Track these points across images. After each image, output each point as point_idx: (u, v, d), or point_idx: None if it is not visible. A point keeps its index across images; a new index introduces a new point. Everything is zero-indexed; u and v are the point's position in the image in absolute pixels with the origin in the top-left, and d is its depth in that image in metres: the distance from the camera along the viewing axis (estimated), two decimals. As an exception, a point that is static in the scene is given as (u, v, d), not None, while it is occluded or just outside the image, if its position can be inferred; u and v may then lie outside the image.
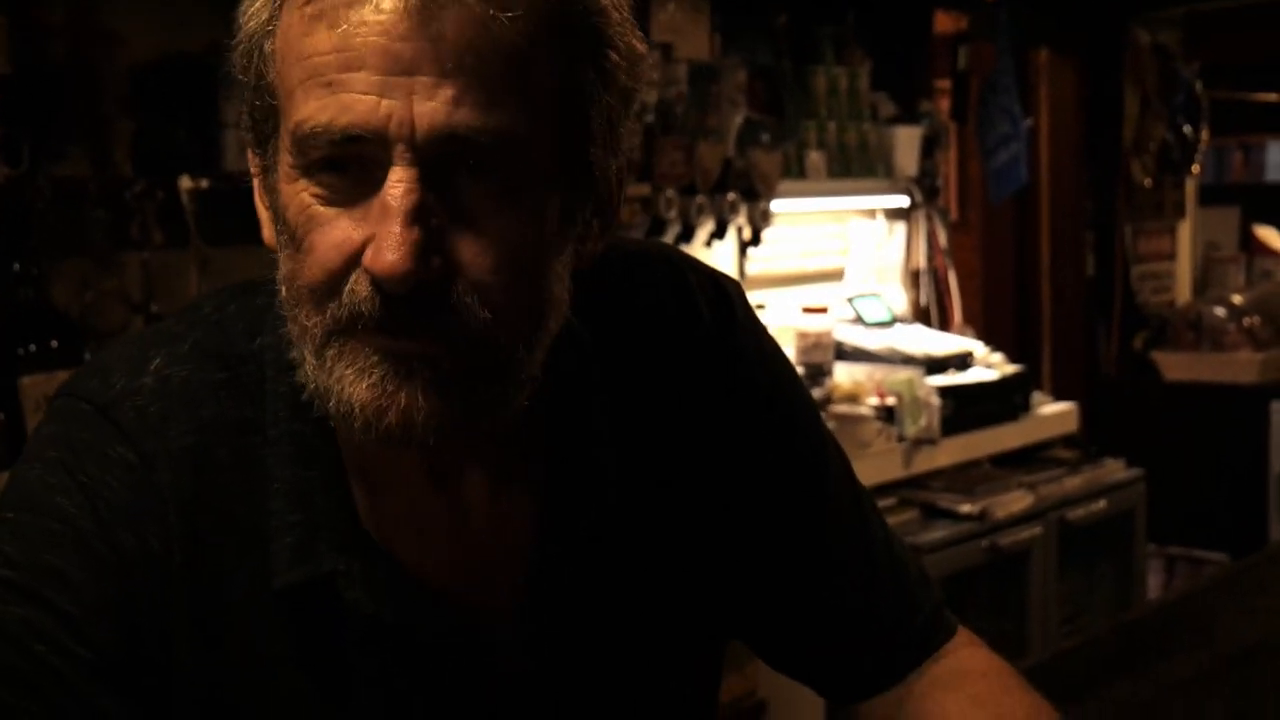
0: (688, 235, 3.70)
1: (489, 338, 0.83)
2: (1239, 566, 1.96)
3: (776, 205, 3.90)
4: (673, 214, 3.61)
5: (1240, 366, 5.30)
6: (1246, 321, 5.41)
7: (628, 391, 0.98)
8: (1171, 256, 6.02)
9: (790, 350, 3.78)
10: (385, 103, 0.79)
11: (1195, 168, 6.01)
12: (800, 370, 3.72)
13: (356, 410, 0.82)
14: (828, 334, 3.82)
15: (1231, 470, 5.17)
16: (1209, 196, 6.37)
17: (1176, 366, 5.49)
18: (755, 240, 3.93)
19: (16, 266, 2.50)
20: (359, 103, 0.79)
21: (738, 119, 3.79)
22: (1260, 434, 5.11)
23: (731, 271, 3.95)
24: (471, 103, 0.79)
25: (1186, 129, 5.86)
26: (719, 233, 3.79)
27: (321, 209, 0.82)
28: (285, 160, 0.83)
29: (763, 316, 3.99)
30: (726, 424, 1.03)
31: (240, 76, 0.86)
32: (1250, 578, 1.86)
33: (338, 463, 0.92)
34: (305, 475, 0.91)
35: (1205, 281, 6.18)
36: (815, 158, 4.05)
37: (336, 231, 0.82)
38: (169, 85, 2.69)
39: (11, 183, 2.45)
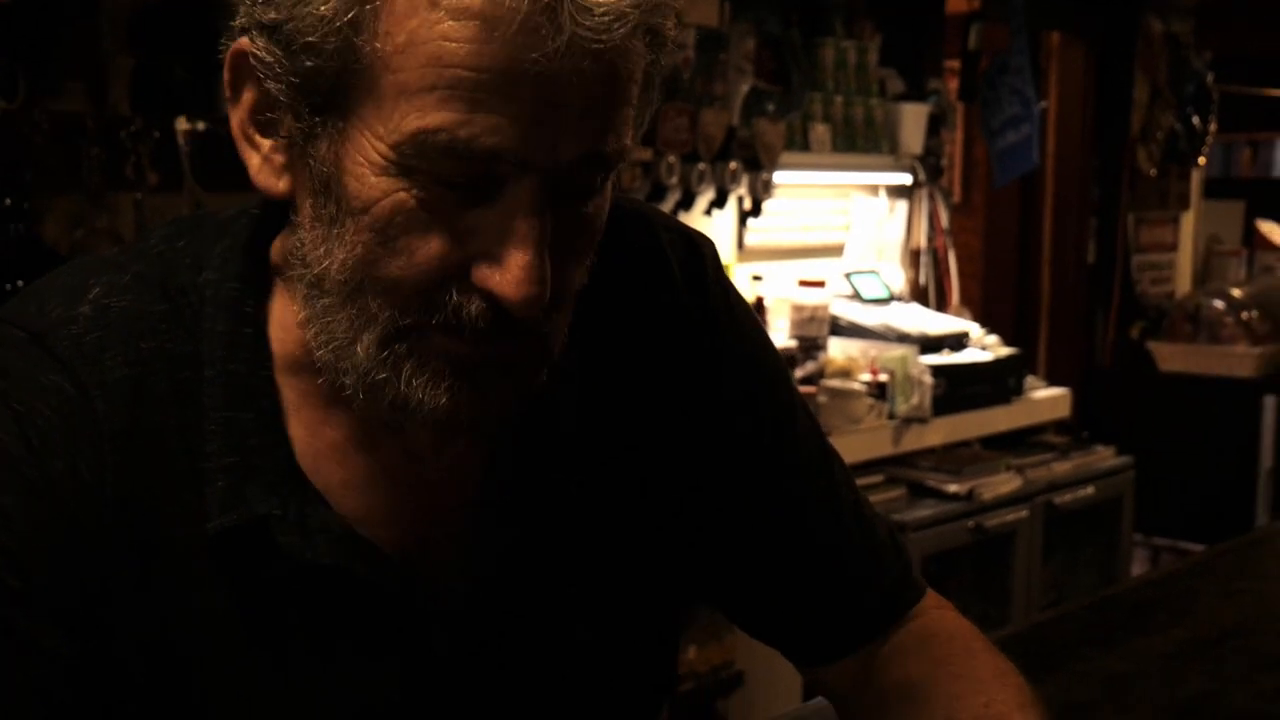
0: (688, 202, 3.68)
1: (557, 338, 0.86)
2: (1221, 549, 1.96)
3: (779, 177, 3.88)
4: (674, 180, 3.59)
5: (1236, 360, 5.30)
6: (1245, 315, 5.40)
7: (592, 349, 0.97)
8: (1173, 247, 6.01)
9: (785, 323, 3.77)
10: (536, 131, 0.77)
11: (1201, 159, 6.00)
12: (794, 344, 3.72)
13: (426, 411, 0.84)
14: (824, 308, 3.81)
15: (1221, 463, 5.17)
16: (1214, 190, 6.36)
17: (1172, 357, 5.49)
18: (756, 211, 3.92)
19: (8, 201, 2.48)
20: (509, 128, 0.77)
21: (744, 88, 3.77)
22: (1252, 428, 5.12)
23: (731, 241, 3.94)
24: (607, 132, 0.80)
25: (1195, 120, 5.84)
26: (719, 202, 3.78)
27: (423, 214, 0.80)
28: (377, 148, 0.79)
29: (759, 288, 3.94)
30: (694, 385, 1.02)
31: (293, 26, 0.80)
32: (1232, 560, 1.86)
33: (274, 404, 0.90)
34: (240, 417, 0.88)
35: (1206, 274, 6.18)
36: (820, 130, 4.03)
37: (437, 243, 0.80)
38: (170, 24, 2.66)
39: (6, 116, 2.44)
